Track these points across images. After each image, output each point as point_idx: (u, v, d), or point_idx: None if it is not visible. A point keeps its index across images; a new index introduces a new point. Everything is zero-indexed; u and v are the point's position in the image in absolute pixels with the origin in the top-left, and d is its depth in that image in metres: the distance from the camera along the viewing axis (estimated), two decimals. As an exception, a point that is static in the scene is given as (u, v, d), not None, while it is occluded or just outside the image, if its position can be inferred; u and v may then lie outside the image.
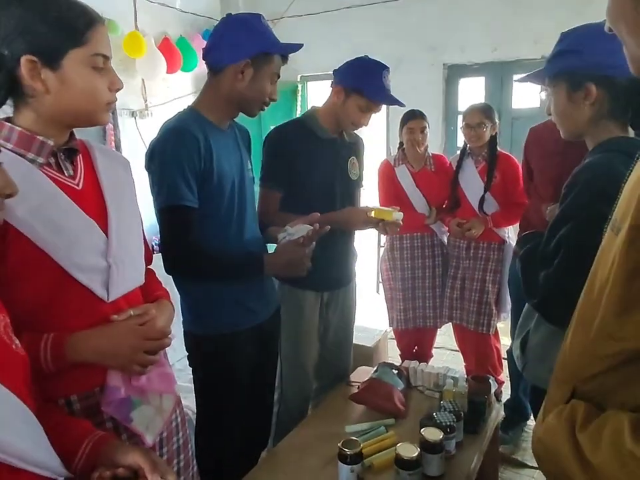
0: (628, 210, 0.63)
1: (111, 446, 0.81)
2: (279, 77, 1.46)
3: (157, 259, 1.35)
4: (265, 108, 1.48)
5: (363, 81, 1.72)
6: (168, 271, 1.38)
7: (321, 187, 1.79)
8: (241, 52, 1.35)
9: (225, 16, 1.46)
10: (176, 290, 1.50)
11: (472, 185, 2.53)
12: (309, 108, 1.86)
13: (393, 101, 1.77)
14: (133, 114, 3.60)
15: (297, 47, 1.44)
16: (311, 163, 1.75)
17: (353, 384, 1.96)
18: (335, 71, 1.81)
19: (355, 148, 1.93)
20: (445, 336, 3.30)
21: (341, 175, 1.85)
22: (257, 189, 1.68)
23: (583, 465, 0.61)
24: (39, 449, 0.69)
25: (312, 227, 1.45)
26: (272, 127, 1.87)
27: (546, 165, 2.08)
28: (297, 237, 1.45)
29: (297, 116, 1.88)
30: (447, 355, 3.30)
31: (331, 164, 1.81)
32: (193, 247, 1.37)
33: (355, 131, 1.96)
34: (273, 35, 1.42)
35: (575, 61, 1.13)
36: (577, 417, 0.65)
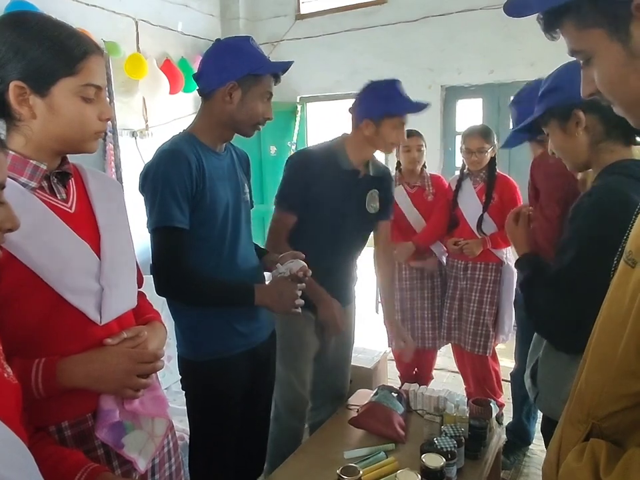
0: None
1: (103, 478, 0.79)
2: (271, 95, 1.47)
3: (150, 280, 1.34)
4: (260, 128, 1.49)
5: (389, 104, 1.74)
6: (158, 292, 1.37)
7: (331, 219, 1.79)
8: (227, 75, 1.37)
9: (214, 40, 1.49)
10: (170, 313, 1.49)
11: (470, 205, 2.53)
12: (340, 135, 1.86)
13: (420, 107, 1.78)
14: (133, 134, 3.63)
15: (285, 65, 1.46)
16: (326, 190, 1.75)
17: (352, 407, 1.93)
18: (352, 108, 1.82)
19: (379, 182, 1.92)
20: (445, 357, 3.27)
21: (357, 207, 1.85)
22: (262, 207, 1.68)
23: None
24: None
25: (304, 264, 1.47)
26: (293, 149, 1.86)
27: (551, 186, 2.09)
28: (290, 273, 1.46)
29: (326, 141, 1.87)
30: (447, 377, 3.26)
31: (347, 195, 1.81)
32: (183, 270, 1.36)
33: (380, 166, 1.97)
34: (261, 55, 1.43)
35: (556, 97, 1.19)
36: (599, 458, 0.62)
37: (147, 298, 1.20)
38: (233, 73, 1.37)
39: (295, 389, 1.89)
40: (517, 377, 2.30)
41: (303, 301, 1.47)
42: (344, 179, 1.79)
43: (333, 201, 1.77)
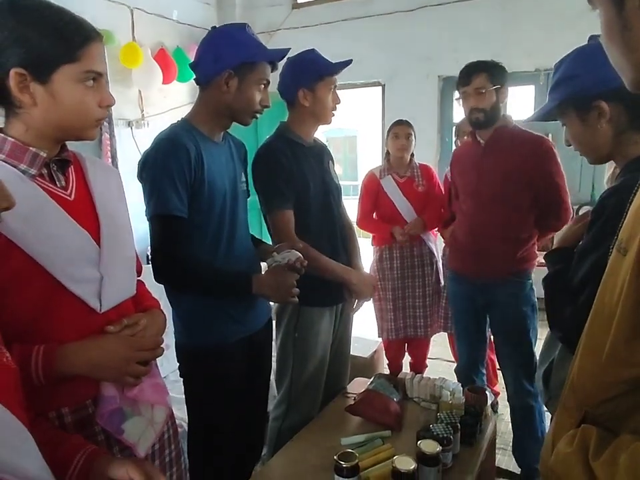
0: (635, 231, 0.61)
1: (103, 460, 0.80)
2: (268, 82, 1.46)
3: (149, 269, 1.34)
4: (258, 116, 1.48)
5: (315, 67, 1.71)
6: (156, 279, 1.38)
7: (321, 196, 1.79)
8: (223, 64, 1.37)
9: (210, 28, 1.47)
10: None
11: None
12: (278, 125, 1.83)
13: (343, 64, 1.73)
14: (129, 124, 3.61)
15: (281, 53, 1.45)
16: (306, 173, 1.74)
17: (349, 395, 1.94)
18: (280, 87, 1.78)
19: (327, 152, 1.92)
20: (441, 347, 3.29)
21: (329, 180, 1.84)
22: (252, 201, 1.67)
23: None
24: (31, 464, 0.68)
25: (300, 254, 1.47)
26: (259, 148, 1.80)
27: (464, 182, 2.14)
28: (286, 262, 1.46)
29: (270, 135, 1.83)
30: (442, 366, 3.29)
31: (320, 171, 1.81)
32: (181, 258, 1.37)
33: (336, 137, 1.98)
34: (257, 42, 1.42)
35: (576, 85, 1.08)
36: (589, 444, 0.63)
37: (146, 286, 1.20)
38: (229, 62, 1.37)
39: (313, 388, 1.86)
40: (461, 372, 2.29)
41: (298, 290, 1.48)
42: (310, 158, 1.78)
43: (313, 180, 1.76)
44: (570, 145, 1.19)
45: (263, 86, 1.44)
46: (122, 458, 0.85)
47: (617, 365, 0.62)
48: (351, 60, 1.74)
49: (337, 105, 1.81)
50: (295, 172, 1.70)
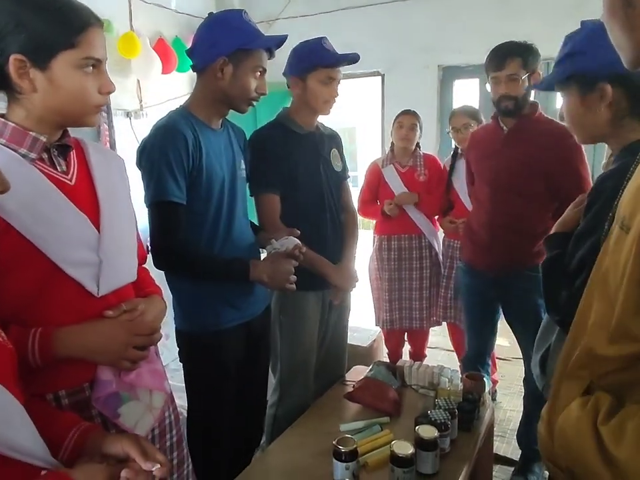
0: (637, 208, 0.61)
1: (97, 435, 0.81)
2: (264, 70, 1.45)
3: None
4: (254, 103, 1.48)
5: (310, 57, 1.71)
6: (155, 265, 1.39)
7: (310, 184, 1.79)
8: (217, 50, 1.37)
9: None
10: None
11: (464, 184, 2.54)
12: (280, 110, 1.84)
13: (343, 57, 1.72)
14: (127, 114, 3.60)
15: (277, 39, 1.44)
16: (298, 160, 1.75)
17: (348, 383, 1.96)
18: (283, 73, 1.80)
19: (334, 140, 1.92)
20: (440, 336, 3.31)
21: (325, 168, 1.84)
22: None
23: (606, 459, 0.60)
24: (26, 439, 0.69)
25: (298, 242, 1.47)
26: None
27: (482, 168, 2.07)
28: (284, 249, 1.47)
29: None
30: (441, 355, 3.31)
31: (315, 158, 1.80)
32: (179, 243, 1.37)
33: (333, 129, 1.96)
34: (253, 29, 1.41)
35: (583, 62, 1.06)
36: (600, 409, 0.64)
37: (150, 274, 1.21)
38: (223, 49, 1.36)
39: (301, 373, 1.88)
40: (468, 362, 2.26)
41: (296, 277, 1.48)
42: (306, 144, 1.78)
43: (304, 168, 1.76)
44: (562, 120, 1.19)
45: (259, 73, 1.43)
46: (117, 434, 0.86)
47: (623, 340, 0.62)
48: (357, 55, 1.71)
49: (335, 98, 1.79)
50: (282, 158, 1.71)
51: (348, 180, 2.01)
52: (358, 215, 2.27)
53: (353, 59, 1.72)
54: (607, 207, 0.97)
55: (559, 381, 0.77)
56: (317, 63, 1.70)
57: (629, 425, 0.59)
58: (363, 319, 3.13)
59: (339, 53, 1.73)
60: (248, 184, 1.71)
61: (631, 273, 0.61)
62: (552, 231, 1.23)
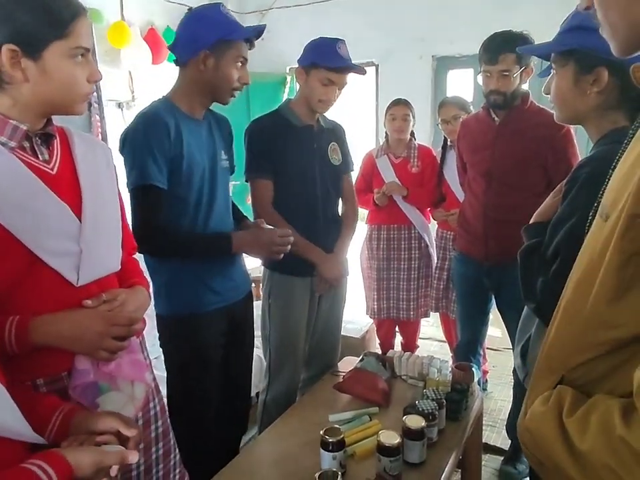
0: (619, 196, 0.60)
1: (81, 415, 0.83)
2: (246, 60, 1.48)
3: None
4: (236, 94, 1.51)
5: (317, 54, 1.74)
6: (138, 249, 1.40)
7: (301, 175, 1.81)
8: (198, 44, 1.40)
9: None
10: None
11: (455, 175, 2.54)
12: (284, 100, 1.88)
13: (349, 67, 1.74)
14: (119, 105, 3.57)
15: (256, 30, 1.47)
16: (290, 151, 1.77)
17: (339, 373, 1.96)
18: (298, 60, 1.83)
19: (334, 134, 1.93)
20: (433, 327, 3.33)
21: (321, 162, 1.85)
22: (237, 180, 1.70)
23: (571, 452, 0.59)
24: (9, 418, 0.69)
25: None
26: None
27: (475, 160, 2.05)
28: None
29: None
30: (434, 346, 3.32)
31: (309, 151, 1.83)
32: (161, 225, 1.41)
33: (337, 121, 1.98)
34: (231, 21, 1.45)
35: (589, 40, 0.98)
36: (564, 403, 0.63)
37: (139, 265, 1.20)
38: (204, 43, 1.40)
39: (289, 358, 1.91)
40: (460, 352, 2.28)
41: (283, 247, 1.53)
42: (301, 137, 1.80)
43: (298, 159, 1.79)
44: (548, 94, 1.15)
45: (240, 64, 1.47)
46: (99, 412, 0.87)
47: (597, 327, 0.62)
48: (363, 69, 1.76)
49: (332, 101, 1.81)
50: (273, 147, 1.75)
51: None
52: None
53: (358, 71, 1.76)
54: (583, 192, 0.98)
55: (534, 375, 0.77)
56: (321, 62, 1.73)
57: (593, 415, 0.59)
58: (356, 311, 3.14)
59: (339, 51, 1.73)
60: (244, 170, 1.77)
61: (609, 260, 0.60)
62: (531, 221, 1.22)
